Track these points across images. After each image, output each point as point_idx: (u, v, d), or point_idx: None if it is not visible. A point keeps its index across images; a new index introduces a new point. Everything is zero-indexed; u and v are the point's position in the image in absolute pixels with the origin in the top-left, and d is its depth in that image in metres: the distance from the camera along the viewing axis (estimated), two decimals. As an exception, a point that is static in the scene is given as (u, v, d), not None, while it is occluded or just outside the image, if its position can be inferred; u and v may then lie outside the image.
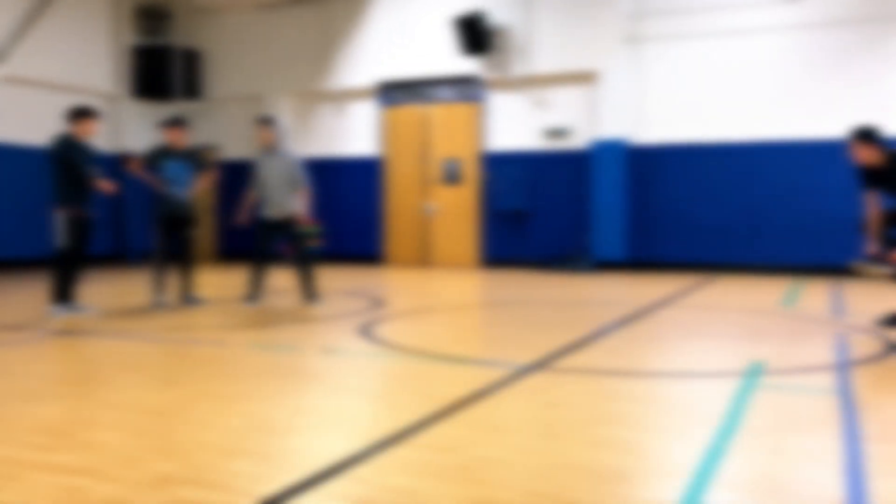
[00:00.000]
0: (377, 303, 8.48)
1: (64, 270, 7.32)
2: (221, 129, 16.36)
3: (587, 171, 13.25)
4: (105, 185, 7.30)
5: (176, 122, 8.28)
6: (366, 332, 6.42)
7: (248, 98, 15.97)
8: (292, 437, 3.49)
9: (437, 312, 7.86)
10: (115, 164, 15.38)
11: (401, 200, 14.81)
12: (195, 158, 8.44)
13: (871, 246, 6.59)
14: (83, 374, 4.83)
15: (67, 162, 7.20)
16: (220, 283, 11.38)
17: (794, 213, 12.12)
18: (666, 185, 12.96)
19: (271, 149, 8.02)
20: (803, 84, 12.07)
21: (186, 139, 8.36)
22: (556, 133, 13.53)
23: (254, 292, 8.04)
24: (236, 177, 16.11)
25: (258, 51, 15.79)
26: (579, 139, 13.43)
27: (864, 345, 5.80)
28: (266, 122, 8.10)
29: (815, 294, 9.43)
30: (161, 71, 15.78)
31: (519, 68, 13.64)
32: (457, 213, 14.40)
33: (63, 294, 7.33)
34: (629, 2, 12.98)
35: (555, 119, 13.59)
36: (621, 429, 3.60)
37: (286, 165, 7.97)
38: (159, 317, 7.40)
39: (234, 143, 16.25)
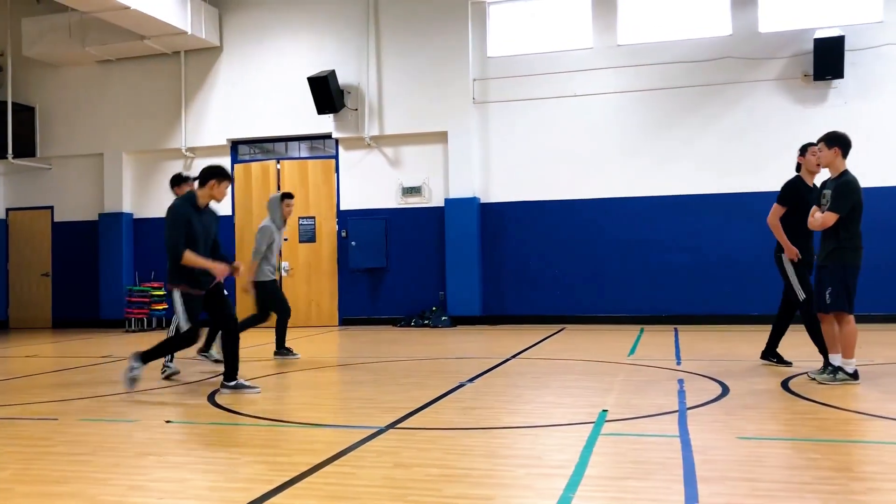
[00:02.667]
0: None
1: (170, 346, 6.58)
2: (58, 189, 15.48)
3: (441, 227, 13.47)
4: (217, 269, 6.34)
5: (190, 177, 7.92)
6: (213, 398, 6.14)
7: (88, 156, 15.26)
8: (124, 518, 3.24)
9: (290, 375, 7.64)
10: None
11: (254, 260, 14.43)
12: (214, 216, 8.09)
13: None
14: None
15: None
16: (59, 350, 10.61)
17: (635, 265, 12.79)
18: (516, 241, 13.37)
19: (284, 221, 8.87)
20: (635, 144, 12.88)
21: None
22: (411, 191, 13.72)
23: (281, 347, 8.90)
24: (74, 239, 15.27)
25: (100, 107, 15.17)
26: (433, 197, 13.66)
27: (701, 389, 6.12)
28: (292, 196, 8.96)
29: (656, 342, 9.91)
30: (-9, 127, 14.82)
31: (372, 127, 13.79)
32: (312, 271, 14.20)
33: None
34: (476, 66, 13.48)
35: (409, 177, 13.78)
36: (471, 486, 3.58)
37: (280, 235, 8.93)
38: (-19, 393, 6.77)
39: (71, 204, 15.41)
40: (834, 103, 12.09)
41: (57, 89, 15.41)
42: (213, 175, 6.44)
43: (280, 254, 9.00)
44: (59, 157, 15.42)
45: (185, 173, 8.17)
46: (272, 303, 8.82)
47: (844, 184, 6.18)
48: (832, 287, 6.17)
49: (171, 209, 6.36)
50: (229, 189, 7.53)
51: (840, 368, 6.21)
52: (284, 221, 8.87)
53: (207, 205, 6.53)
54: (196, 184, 6.62)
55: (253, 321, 8.68)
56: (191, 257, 6.23)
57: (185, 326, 6.39)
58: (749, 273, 12.24)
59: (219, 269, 6.36)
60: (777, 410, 5.24)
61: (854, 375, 6.18)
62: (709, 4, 12.76)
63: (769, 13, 12.48)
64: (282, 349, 8.93)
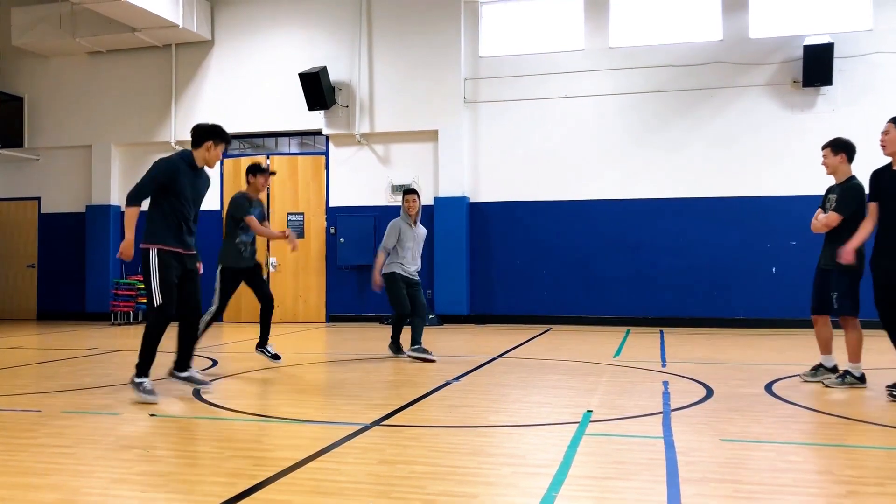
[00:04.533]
0: (212, 363, 8.11)
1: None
2: (45, 180, 15.39)
3: (430, 226, 13.46)
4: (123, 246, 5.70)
5: (268, 170, 7.77)
6: (198, 393, 6.11)
7: (76, 148, 15.17)
8: (107, 511, 3.23)
9: (275, 371, 7.62)
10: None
11: (242, 255, 14.39)
12: (263, 207, 7.97)
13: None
14: None
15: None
16: (43, 342, 10.55)
17: (622, 267, 12.83)
18: (504, 241, 13.38)
19: (417, 216, 8.39)
20: (624, 146, 12.92)
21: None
22: (400, 189, 13.70)
23: (396, 343, 8.50)
24: (60, 231, 15.18)
25: (89, 99, 15.08)
26: (423, 195, 13.63)
27: (686, 391, 6.15)
28: (409, 192, 8.40)
29: (642, 343, 9.94)
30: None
31: (363, 125, 13.77)
32: (300, 267, 14.17)
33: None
34: (467, 65, 13.49)
35: (398, 175, 13.77)
36: (456, 484, 3.59)
37: (422, 231, 8.53)
38: (-36, 383, 6.73)
39: (58, 195, 15.31)
40: (822, 110, 12.17)
41: (46, 80, 15.31)
42: (210, 135, 5.81)
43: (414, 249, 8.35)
44: (47, 148, 15.32)
45: (264, 164, 7.85)
46: (390, 296, 8.27)
47: (851, 188, 6.31)
48: (838, 291, 6.20)
49: (160, 159, 5.80)
50: (218, 172, 6.73)
51: (848, 372, 6.26)
52: (411, 217, 8.24)
53: (202, 168, 5.95)
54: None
55: (415, 320, 8.26)
56: (130, 214, 5.68)
57: (158, 300, 5.62)
58: (735, 277, 12.31)
59: (123, 247, 5.61)
60: (760, 413, 5.27)
61: (861, 379, 6.22)
62: (700, 9, 12.82)
63: (760, 19, 12.55)
64: (396, 345, 8.49)
